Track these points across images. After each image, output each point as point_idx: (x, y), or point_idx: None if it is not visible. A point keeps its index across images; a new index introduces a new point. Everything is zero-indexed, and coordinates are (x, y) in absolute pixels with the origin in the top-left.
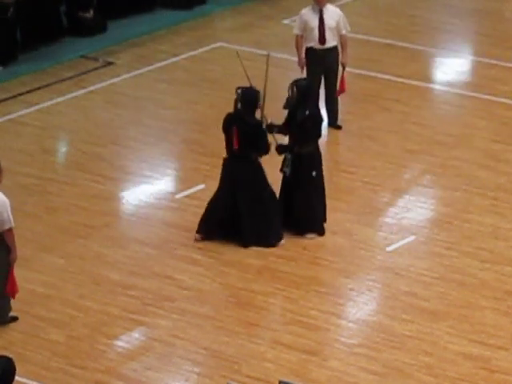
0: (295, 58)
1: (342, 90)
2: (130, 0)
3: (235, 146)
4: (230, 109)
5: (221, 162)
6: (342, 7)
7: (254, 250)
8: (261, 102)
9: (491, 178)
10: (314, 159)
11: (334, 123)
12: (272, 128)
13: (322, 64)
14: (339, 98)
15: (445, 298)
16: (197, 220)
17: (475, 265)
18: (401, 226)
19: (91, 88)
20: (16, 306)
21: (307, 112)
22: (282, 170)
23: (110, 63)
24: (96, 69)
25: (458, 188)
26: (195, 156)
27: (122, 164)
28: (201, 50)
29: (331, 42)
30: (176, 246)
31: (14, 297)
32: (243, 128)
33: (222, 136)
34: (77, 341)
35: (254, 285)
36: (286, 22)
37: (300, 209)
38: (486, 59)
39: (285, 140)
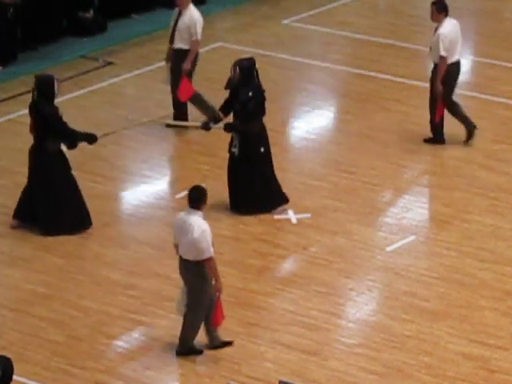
0: (294, 58)
1: (183, 96)
2: (130, 0)
3: (32, 134)
4: None
5: (221, 162)
6: (342, 7)
7: (254, 250)
8: (57, 92)
9: (491, 178)
10: (260, 136)
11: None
12: (208, 125)
13: (170, 63)
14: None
15: (445, 298)
16: None
17: (475, 265)
18: (401, 226)
19: (91, 88)
20: (16, 305)
21: (250, 93)
22: (230, 150)
23: (109, 63)
24: (96, 69)
25: (457, 188)
26: (195, 156)
27: (122, 164)
28: (201, 50)
29: (178, 43)
30: None
31: (218, 325)
32: (38, 117)
33: (222, 136)
34: (77, 341)
35: (253, 285)
36: (285, 21)
37: (259, 185)
38: (486, 59)
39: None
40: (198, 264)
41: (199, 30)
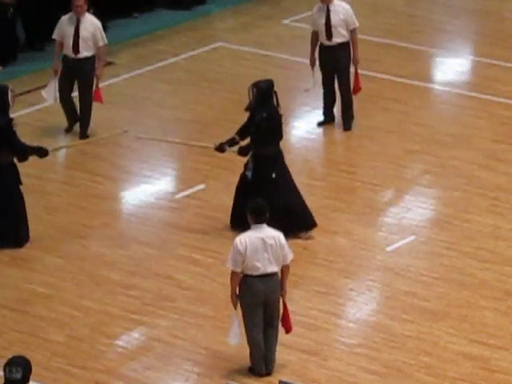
0: (294, 58)
1: (97, 100)
2: (129, 0)
3: None
4: (230, 108)
5: (221, 162)
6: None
7: None
8: (11, 103)
9: (491, 178)
10: (274, 161)
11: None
12: (223, 147)
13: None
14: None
15: (445, 298)
16: (197, 220)
17: (475, 265)
18: (401, 226)
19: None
20: (16, 305)
21: (264, 114)
22: (244, 173)
23: (109, 63)
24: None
25: (458, 188)
26: (195, 156)
27: (122, 164)
28: (201, 50)
29: (83, 52)
30: (176, 246)
31: (289, 331)
32: None
33: (222, 136)
34: (77, 341)
35: None
36: (285, 21)
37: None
38: (486, 59)
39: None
40: (277, 273)
41: (103, 33)
